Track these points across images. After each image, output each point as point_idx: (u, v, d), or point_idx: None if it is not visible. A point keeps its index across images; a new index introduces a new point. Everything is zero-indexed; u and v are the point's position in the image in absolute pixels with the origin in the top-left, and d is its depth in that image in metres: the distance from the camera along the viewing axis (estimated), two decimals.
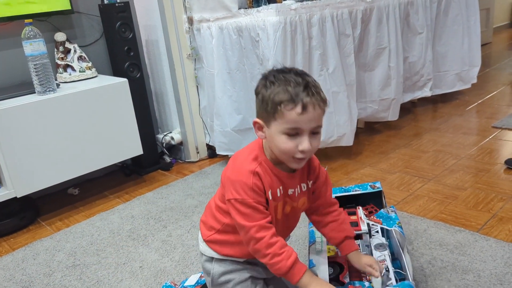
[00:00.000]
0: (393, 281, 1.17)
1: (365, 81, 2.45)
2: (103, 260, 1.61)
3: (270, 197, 1.02)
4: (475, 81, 3.03)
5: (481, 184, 1.86)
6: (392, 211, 1.38)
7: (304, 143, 0.97)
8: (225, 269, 1.10)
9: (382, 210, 1.39)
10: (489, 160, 2.08)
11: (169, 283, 1.40)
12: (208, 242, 1.11)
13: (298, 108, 0.94)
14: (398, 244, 1.28)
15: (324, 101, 0.96)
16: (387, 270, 1.20)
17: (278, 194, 1.04)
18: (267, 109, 0.97)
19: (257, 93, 1.01)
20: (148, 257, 1.60)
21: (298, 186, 1.08)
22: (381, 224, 1.29)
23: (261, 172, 1.00)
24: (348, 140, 2.25)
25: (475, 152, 2.19)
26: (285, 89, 0.94)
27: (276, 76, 0.97)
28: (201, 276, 1.37)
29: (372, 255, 1.26)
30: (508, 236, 1.47)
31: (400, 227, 1.30)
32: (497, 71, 3.72)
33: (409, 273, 1.16)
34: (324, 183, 1.15)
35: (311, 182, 1.11)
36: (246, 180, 0.99)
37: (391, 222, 1.31)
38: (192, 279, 1.38)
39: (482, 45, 3.67)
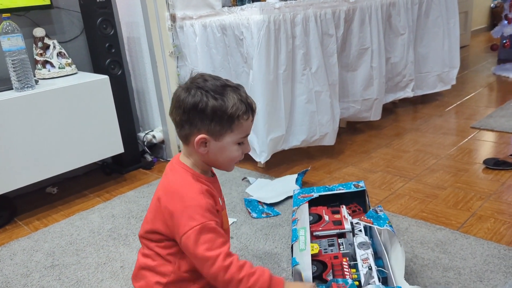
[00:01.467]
0: (375, 279, 1.17)
1: (347, 81, 2.47)
2: (82, 260, 1.58)
3: (219, 209, 1.02)
4: (454, 82, 3.08)
5: (460, 184, 1.89)
6: (380, 211, 1.39)
7: (248, 146, 1.03)
8: None
9: (371, 209, 1.40)
10: (468, 160, 2.12)
11: None
12: None
13: (251, 116, 0.99)
14: (382, 243, 1.30)
15: None
16: (370, 269, 1.20)
17: (221, 202, 1.05)
18: (222, 122, 0.95)
19: (202, 107, 0.94)
20: (130, 256, 1.58)
21: None
22: (372, 224, 1.30)
23: (207, 188, 0.99)
24: (330, 140, 2.26)
25: (455, 152, 2.23)
26: (239, 100, 0.96)
27: (215, 85, 0.96)
28: None
29: (355, 253, 1.26)
30: (487, 234, 1.50)
31: (391, 226, 1.31)
32: (475, 73, 3.80)
33: (402, 267, 1.17)
34: None
35: None
36: (199, 202, 0.94)
37: (381, 221, 1.32)
38: None
39: (460, 48, 3.74)
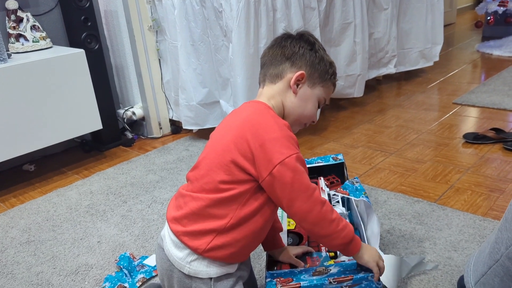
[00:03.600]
0: None
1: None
2: (59, 236, 1.56)
3: None
4: (437, 59, 3.07)
5: (440, 158, 1.89)
6: (356, 182, 1.39)
7: (318, 116, 1.07)
8: None
9: (347, 181, 1.39)
10: (449, 134, 2.13)
11: (128, 254, 1.37)
12: (208, 252, 0.87)
13: (335, 84, 1.04)
14: (358, 215, 1.30)
15: None
16: None
17: None
18: (322, 71, 0.98)
19: (314, 49, 0.98)
20: (107, 232, 1.56)
21: None
22: (348, 195, 1.30)
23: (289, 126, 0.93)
24: None
25: (436, 127, 2.23)
26: (335, 64, 1.03)
27: (322, 46, 1.02)
28: None
29: None
30: (464, 205, 1.51)
31: (367, 197, 1.31)
32: (460, 50, 3.80)
33: (377, 237, 1.17)
34: None
35: None
36: (290, 134, 0.88)
37: (358, 192, 1.31)
38: (153, 260, 1.36)
39: (446, 25, 3.72)
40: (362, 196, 1.28)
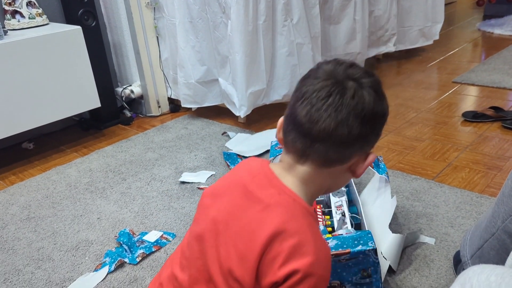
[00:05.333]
0: (348, 225, 1.19)
1: (330, 34, 2.42)
2: (59, 213, 1.57)
3: None
4: (437, 37, 3.05)
5: (438, 136, 1.90)
6: (381, 161, 1.40)
7: None
8: None
9: None
10: (448, 113, 2.12)
11: (128, 230, 1.39)
12: None
13: None
14: (355, 191, 1.31)
15: None
16: (343, 215, 1.22)
17: None
18: (379, 136, 0.71)
19: (387, 115, 0.69)
20: (107, 208, 1.57)
21: None
22: (373, 168, 1.31)
23: None
24: None
25: (435, 105, 2.23)
26: None
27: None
28: (161, 236, 1.36)
29: (330, 200, 1.28)
30: (461, 183, 1.52)
31: (388, 176, 1.31)
32: (460, 29, 3.76)
33: (389, 215, 1.19)
34: None
35: None
36: (328, 273, 0.68)
37: (380, 170, 1.32)
38: (152, 236, 1.37)
39: (447, 4, 3.67)
40: (384, 175, 1.29)
